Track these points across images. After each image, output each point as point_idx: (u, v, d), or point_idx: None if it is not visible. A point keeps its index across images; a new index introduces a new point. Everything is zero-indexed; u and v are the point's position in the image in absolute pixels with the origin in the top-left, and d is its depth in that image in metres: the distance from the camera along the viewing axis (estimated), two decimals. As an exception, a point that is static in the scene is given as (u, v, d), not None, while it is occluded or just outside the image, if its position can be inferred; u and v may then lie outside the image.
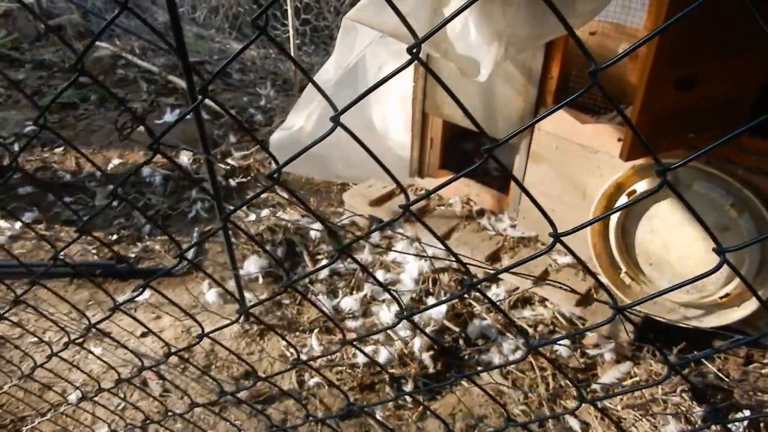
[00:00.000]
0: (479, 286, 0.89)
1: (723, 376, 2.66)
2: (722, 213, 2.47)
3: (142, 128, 4.22)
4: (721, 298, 2.61)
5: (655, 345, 2.70)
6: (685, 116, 2.32)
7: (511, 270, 3.02)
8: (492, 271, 0.93)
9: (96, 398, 1.85)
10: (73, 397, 2.46)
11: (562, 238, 0.78)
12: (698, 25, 2.08)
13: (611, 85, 3.26)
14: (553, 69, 2.85)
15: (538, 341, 2.78)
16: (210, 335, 1.24)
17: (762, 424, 2.39)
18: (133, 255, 3.37)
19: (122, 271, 3.24)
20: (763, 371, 2.67)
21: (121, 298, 3.06)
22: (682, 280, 2.54)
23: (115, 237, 3.49)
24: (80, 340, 1.57)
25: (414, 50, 0.73)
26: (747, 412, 2.45)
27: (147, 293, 3.11)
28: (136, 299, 3.07)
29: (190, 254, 3.35)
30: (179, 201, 3.82)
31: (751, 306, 2.57)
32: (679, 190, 2.42)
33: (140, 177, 3.96)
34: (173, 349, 1.42)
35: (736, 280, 2.55)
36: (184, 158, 4.13)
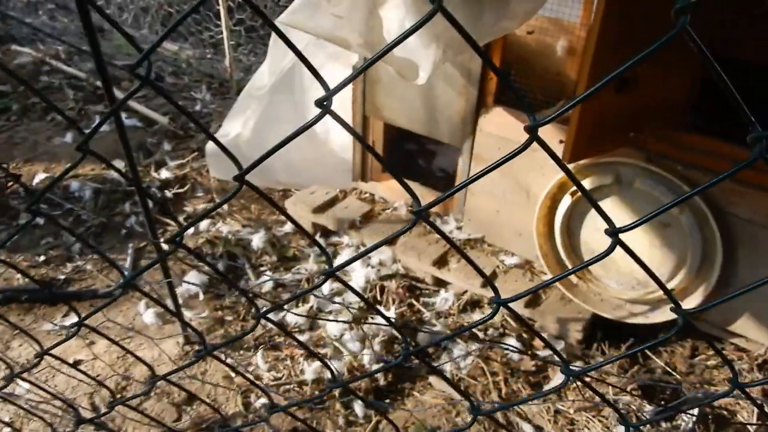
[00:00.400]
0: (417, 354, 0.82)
1: (671, 370, 2.68)
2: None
3: (68, 138, 3.98)
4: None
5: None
6: (626, 116, 2.31)
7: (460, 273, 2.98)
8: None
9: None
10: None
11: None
12: (633, 27, 2.06)
13: (550, 80, 3.25)
14: (493, 69, 2.80)
15: (489, 343, 2.74)
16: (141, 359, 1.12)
17: (710, 418, 2.41)
18: (62, 277, 3.17)
19: (51, 295, 3.04)
20: (709, 363, 2.71)
21: (49, 325, 2.87)
22: (627, 278, 2.52)
23: (42, 258, 3.28)
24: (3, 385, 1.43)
25: (324, 103, 0.64)
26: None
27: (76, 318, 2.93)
28: (67, 326, 2.91)
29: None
30: (112, 215, 3.63)
31: (695, 300, 2.59)
32: (622, 188, 2.40)
33: (69, 192, 3.74)
34: (111, 374, 1.30)
35: (681, 275, 2.57)
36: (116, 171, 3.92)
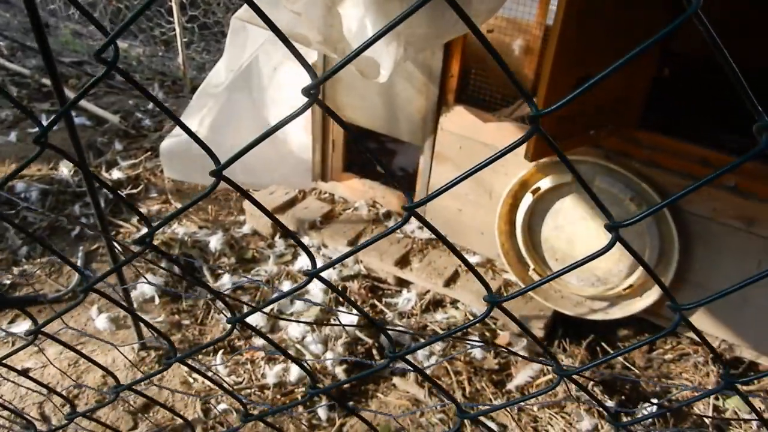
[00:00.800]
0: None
1: (629, 365, 2.73)
2: (623, 207, 2.52)
3: (12, 138, 3.80)
4: (624, 289, 2.66)
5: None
6: (584, 115, 2.33)
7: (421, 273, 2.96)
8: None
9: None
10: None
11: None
12: (591, 27, 2.09)
13: (506, 80, 3.26)
14: (453, 67, 2.80)
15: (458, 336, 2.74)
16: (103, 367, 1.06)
17: (668, 413, 2.46)
18: (8, 282, 3.03)
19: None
20: (666, 357, 2.77)
21: (-4, 333, 2.73)
22: (587, 274, 2.54)
23: (-15, 262, 3.13)
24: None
25: (312, 91, 0.61)
26: (654, 400, 2.52)
27: (26, 324, 2.80)
28: (15, 332, 2.77)
29: (76, 278, 3.05)
30: (60, 216, 3.48)
31: (653, 296, 2.64)
32: (581, 186, 2.42)
33: (14, 193, 3.58)
34: (61, 382, 1.23)
35: (638, 272, 2.61)
36: (65, 170, 3.77)
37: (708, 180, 0.54)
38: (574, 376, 0.78)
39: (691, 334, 2.79)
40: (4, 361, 1.19)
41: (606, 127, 2.46)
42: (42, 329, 0.96)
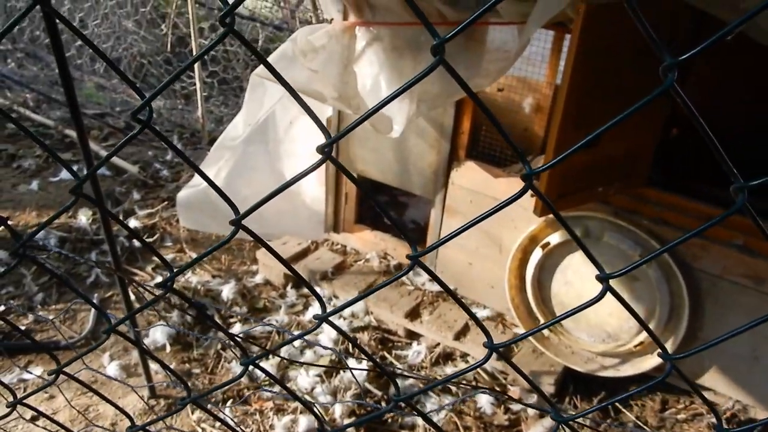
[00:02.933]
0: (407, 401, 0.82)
1: (641, 424, 2.69)
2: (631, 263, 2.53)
3: (34, 186, 3.91)
4: (635, 346, 2.66)
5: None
6: (593, 171, 2.38)
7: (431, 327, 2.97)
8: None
9: None
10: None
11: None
12: (597, 86, 2.16)
13: (518, 136, 3.34)
14: (464, 124, 2.88)
15: (467, 393, 2.72)
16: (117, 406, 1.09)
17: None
18: (23, 327, 3.06)
19: (12, 345, 2.93)
20: (679, 417, 2.73)
21: (8, 378, 2.76)
22: (597, 330, 2.55)
23: (2, 308, 3.17)
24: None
25: (326, 149, 0.66)
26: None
27: (38, 370, 2.83)
28: (26, 379, 2.80)
29: (89, 325, 3.09)
30: (76, 265, 3.54)
31: (663, 353, 2.62)
32: (590, 242, 2.44)
33: (33, 240, 3.65)
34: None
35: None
36: (83, 218, 3.86)
37: (677, 243, 0.58)
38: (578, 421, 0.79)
39: (705, 393, 2.76)
40: (20, 403, 1.22)
41: (614, 184, 2.51)
42: (63, 370, 1.00)
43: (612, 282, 2.52)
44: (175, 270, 0.80)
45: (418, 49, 2.47)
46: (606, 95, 2.16)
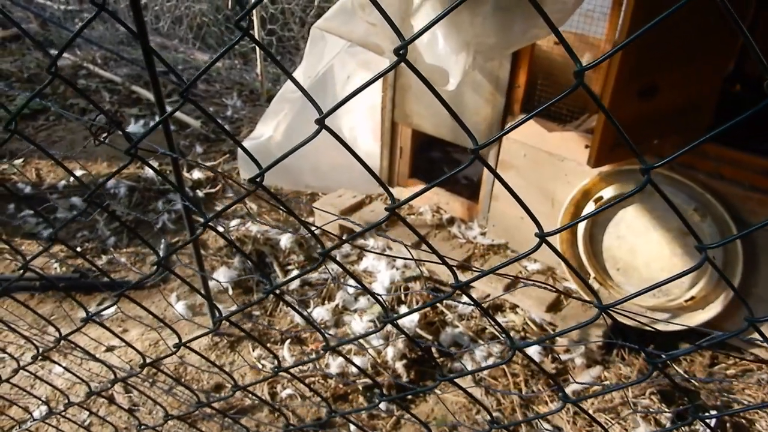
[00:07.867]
0: (462, 288, 0.90)
1: (689, 378, 2.71)
2: (686, 217, 2.53)
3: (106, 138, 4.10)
4: (686, 301, 2.66)
5: (640, 346, 2.74)
6: (649, 123, 2.38)
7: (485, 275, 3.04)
8: (478, 272, 0.94)
9: (63, 413, 1.79)
10: (37, 413, 2.38)
11: (547, 239, 0.79)
12: (657, 35, 2.14)
13: (574, 95, 3.32)
14: (520, 78, 2.89)
15: (523, 342, 2.79)
16: (187, 344, 1.22)
17: (728, 424, 2.44)
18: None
19: (88, 284, 3.16)
20: (728, 372, 2.74)
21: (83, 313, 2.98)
22: (648, 284, 2.58)
23: (78, 250, 3.40)
24: (46, 353, 1.53)
25: (401, 51, 0.73)
26: (713, 413, 2.50)
27: (112, 308, 3.04)
28: (102, 314, 3.02)
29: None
30: (145, 212, 3.75)
31: (715, 308, 2.63)
32: (644, 196, 2.45)
33: (104, 189, 3.87)
34: (140, 360, 1.39)
35: (701, 283, 2.61)
36: (150, 170, 4.05)
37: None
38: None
39: (756, 351, 2.75)
40: (92, 320, 1.37)
41: (671, 137, 2.49)
42: (123, 295, 1.11)
43: (663, 237, 2.54)
44: (263, 167, 0.89)
45: (476, 1, 2.49)
46: (661, 44, 2.15)
